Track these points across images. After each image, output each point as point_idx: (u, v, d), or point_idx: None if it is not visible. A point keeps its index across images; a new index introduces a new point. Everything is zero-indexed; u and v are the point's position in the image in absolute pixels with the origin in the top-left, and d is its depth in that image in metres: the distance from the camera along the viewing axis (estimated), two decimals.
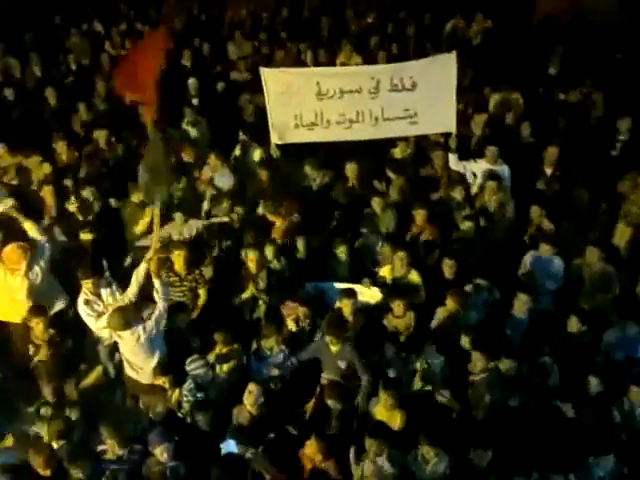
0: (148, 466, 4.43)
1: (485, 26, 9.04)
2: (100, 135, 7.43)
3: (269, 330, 5.43)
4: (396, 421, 4.77)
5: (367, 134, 6.52)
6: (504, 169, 6.77)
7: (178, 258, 5.75)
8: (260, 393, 4.81)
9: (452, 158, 6.72)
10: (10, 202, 5.81)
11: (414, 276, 5.87)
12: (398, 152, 7.24)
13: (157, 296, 5.16)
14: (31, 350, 5.22)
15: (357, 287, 5.80)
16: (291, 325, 5.63)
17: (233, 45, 9.37)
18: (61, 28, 9.70)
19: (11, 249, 5.47)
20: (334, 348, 5.18)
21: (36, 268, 5.56)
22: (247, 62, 8.92)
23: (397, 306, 5.55)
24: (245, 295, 5.87)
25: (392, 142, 7.13)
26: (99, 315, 5.28)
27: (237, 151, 7.48)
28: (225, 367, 5.27)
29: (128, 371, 5.25)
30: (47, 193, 6.44)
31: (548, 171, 6.87)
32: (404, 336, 5.57)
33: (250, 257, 5.85)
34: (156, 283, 5.16)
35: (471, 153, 6.96)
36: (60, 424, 4.63)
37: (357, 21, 9.67)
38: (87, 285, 5.36)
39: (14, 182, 6.82)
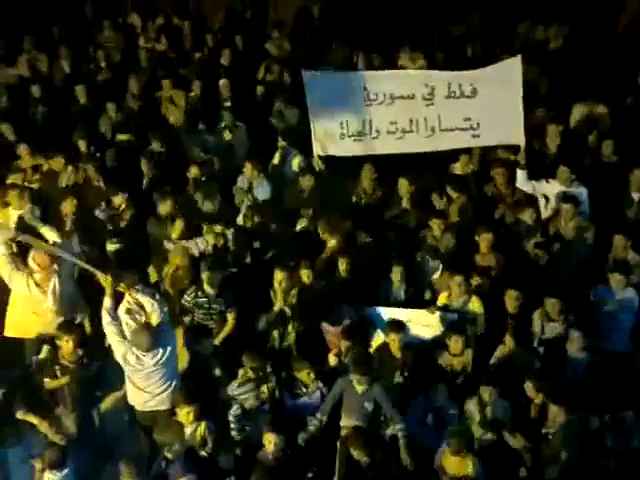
0: None
1: (564, 29, 8.95)
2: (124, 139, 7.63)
3: (301, 363, 5.44)
4: (467, 469, 4.68)
5: (422, 146, 6.50)
6: (581, 192, 6.65)
7: (208, 278, 5.84)
8: (282, 443, 4.80)
9: (520, 176, 6.63)
10: (27, 212, 6.01)
11: (475, 304, 5.79)
12: (459, 167, 7.18)
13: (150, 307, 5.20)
14: (54, 372, 5.32)
15: (411, 313, 5.75)
16: (333, 360, 5.62)
17: (272, 44, 9.55)
18: (93, 21, 10.10)
19: (37, 252, 5.64)
20: (360, 388, 5.11)
21: (63, 273, 5.77)
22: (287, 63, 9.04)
23: (454, 342, 5.46)
24: (271, 319, 5.86)
25: (452, 155, 7.08)
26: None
27: (276, 159, 7.60)
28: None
29: (135, 398, 5.28)
30: (68, 203, 6.63)
31: (635, 196, 6.71)
32: (460, 377, 5.48)
33: (278, 277, 5.86)
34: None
35: (545, 172, 6.84)
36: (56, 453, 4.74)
37: (417, 20, 9.71)
38: (133, 292, 5.45)
39: (34, 185, 7.08)
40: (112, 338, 5.20)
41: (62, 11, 10.24)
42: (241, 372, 5.34)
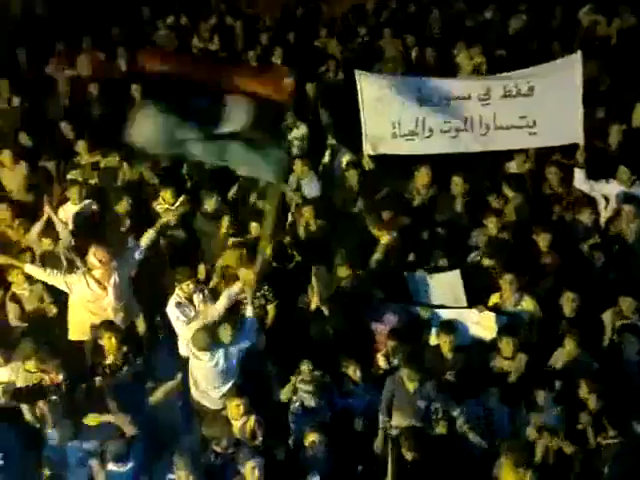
0: None
1: (627, 23, 8.70)
2: None
3: (349, 361, 5.48)
4: None
5: (477, 145, 6.45)
6: None
7: (247, 274, 5.91)
8: (324, 442, 4.87)
9: (578, 175, 6.52)
10: (89, 202, 6.25)
11: (528, 303, 5.72)
12: (515, 166, 7.10)
13: (242, 326, 5.38)
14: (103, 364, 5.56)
15: (459, 312, 5.73)
16: (382, 362, 5.64)
17: (319, 43, 9.63)
18: (150, 22, 10.39)
19: (100, 247, 5.86)
20: (412, 385, 5.12)
21: (121, 270, 5.97)
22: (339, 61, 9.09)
23: (505, 345, 5.40)
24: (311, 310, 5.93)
25: (507, 153, 7.00)
26: (190, 321, 5.56)
27: (326, 157, 7.64)
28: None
29: (195, 395, 5.46)
30: (124, 202, 6.84)
31: None
32: (513, 380, 5.41)
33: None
34: (248, 311, 5.40)
35: (605, 171, 6.70)
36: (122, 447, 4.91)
37: (473, 16, 9.62)
38: (183, 287, 5.69)
39: (92, 181, 7.34)
40: (181, 332, 5.44)
41: (119, 12, 10.58)
42: (305, 369, 5.43)
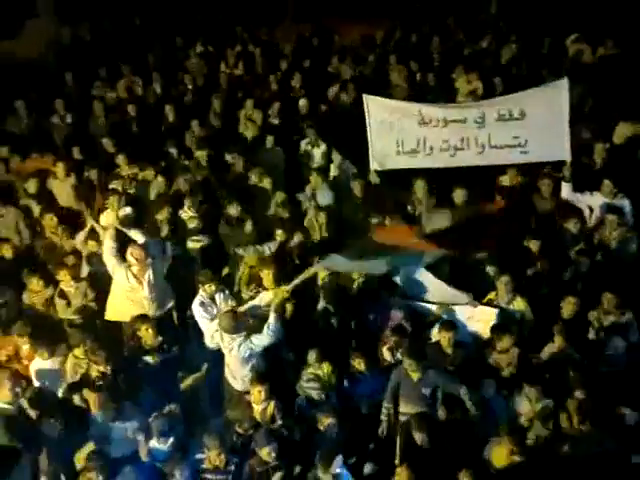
0: (251, 466, 4.62)
1: (612, 52, 8.64)
2: (201, 155, 7.79)
3: (355, 353, 5.45)
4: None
5: (472, 161, 6.42)
6: (624, 204, 6.44)
7: (267, 275, 5.96)
8: (337, 425, 4.86)
9: (565, 188, 6.47)
10: (128, 210, 6.28)
11: (520, 303, 5.67)
12: (507, 179, 7.06)
13: (267, 329, 5.32)
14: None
15: (457, 308, 5.68)
16: (387, 355, 5.60)
17: (331, 68, 9.63)
18: (182, 49, 10.45)
19: (136, 247, 5.93)
20: (415, 375, 5.09)
21: (155, 266, 6.01)
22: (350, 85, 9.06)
23: (501, 340, 5.35)
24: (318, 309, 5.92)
25: (499, 168, 6.95)
26: (212, 318, 5.57)
27: (332, 171, 7.60)
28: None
29: (227, 375, 5.49)
30: (165, 211, 6.85)
31: None
32: (507, 372, 5.36)
33: (321, 275, 5.93)
34: (272, 317, 5.33)
35: (589, 185, 6.64)
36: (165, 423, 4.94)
37: (470, 45, 9.59)
38: (206, 288, 5.72)
39: (131, 191, 7.37)
40: (205, 330, 5.46)
41: (155, 41, 10.65)
42: (310, 369, 5.41)
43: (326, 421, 4.94)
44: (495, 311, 5.65)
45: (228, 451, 4.76)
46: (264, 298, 5.63)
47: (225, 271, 6.80)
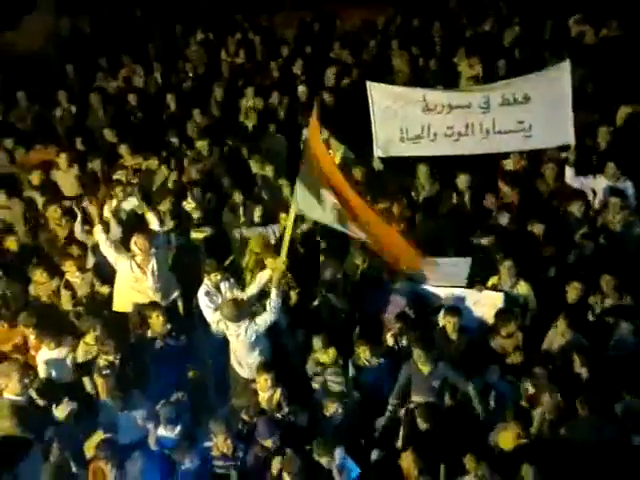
0: (255, 453, 4.68)
1: (615, 33, 8.54)
2: (202, 145, 7.78)
3: (359, 342, 5.46)
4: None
5: (477, 148, 6.37)
6: (627, 186, 6.42)
7: (271, 263, 5.90)
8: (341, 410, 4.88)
9: (569, 172, 6.44)
10: (134, 201, 6.30)
11: (523, 287, 5.67)
12: (510, 164, 7.04)
13: (269, 305, 5.35)
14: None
15: (463, 292, 5.68)
16: (390, 341, 5.61)
17: (333, 54, 9.53)
18: (182, 37, 10.39)
19: (139, 237, 5.93)
20: (425, 368, 5.10)
21: (158, 256, 6.02)
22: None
23: (505, 325, 5.36)
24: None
25: (502, 153, 6.91)
26: (217, 308, 5.59)
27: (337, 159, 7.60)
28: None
29: (233, 363, 5.52)
30: (168, 201, 6.87)
31: None
32: (511, 358, 5.38)
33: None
34: (273, 293, 5.35)
35: (593, 168, 6.62)
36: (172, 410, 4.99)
37: (472, 28, 9.49)
38: (211, 277, 5.73)
39: (134, 181, 7.36)
40: (204, 307, 5.48)
41: (155, 30, 10.60)
42: (316, 355, 5.42)
43: (332, 407, 4.97)
44: (501, 295, 5.65)
45: (235, 438, 4.80)
46: (263, 277, 5.64)
47: (229, 259, 6.82)
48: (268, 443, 4.67)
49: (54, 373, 5.51)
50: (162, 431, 4.97)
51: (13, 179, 7.78)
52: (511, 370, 5.31)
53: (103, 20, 11.12)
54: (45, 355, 5.58)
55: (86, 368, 5.43)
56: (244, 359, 5.43)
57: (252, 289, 5.72)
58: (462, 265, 5.97)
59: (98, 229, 6.04)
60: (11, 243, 6.72)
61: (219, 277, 5.77)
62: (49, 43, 10.78)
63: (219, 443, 4.74)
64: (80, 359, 5.53)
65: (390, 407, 5.23)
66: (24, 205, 7.19)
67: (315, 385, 5.40)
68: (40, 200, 7.19)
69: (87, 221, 6.58)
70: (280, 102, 8.59)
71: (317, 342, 5.45)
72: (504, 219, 6.36)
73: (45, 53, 10.55)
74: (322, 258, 6.39)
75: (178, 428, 4.96)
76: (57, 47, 10.61)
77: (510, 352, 5.39)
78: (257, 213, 6.73)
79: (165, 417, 4.95)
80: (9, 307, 6.21)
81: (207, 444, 4.92)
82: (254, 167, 7.41)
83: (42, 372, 5.51)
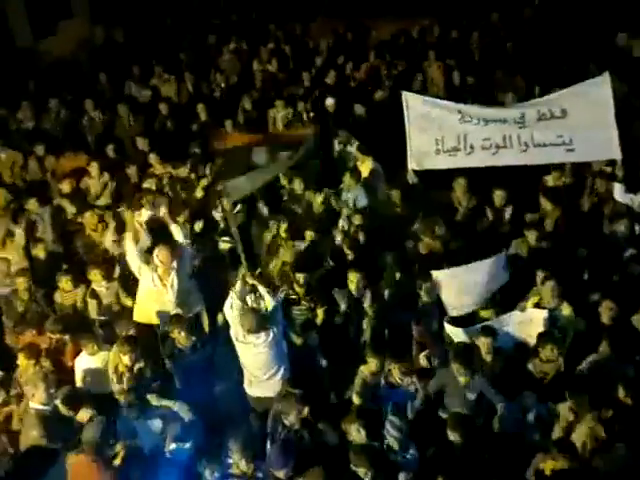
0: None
1: None
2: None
3: (390, 360, 5.30)
4: None
5: (516, 160, 6.27)
6: None
7: (299, 278, 5.93)
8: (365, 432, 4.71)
9: (617, 189, 6.27)
10: (164, 208, 6.34)
11: (566, 309, 5.50)
12: (551, 180, 6.88)
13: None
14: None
15: (507, 316, 5.55)
16: (423, 362, 5.51)
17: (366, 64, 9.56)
18: (215, 47, 10.53)
19: (161, 249, 5.96)
20: (463, 379, 4.98)
21: (181, 270, 6.03)
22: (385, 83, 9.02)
23: (545, 348, 5.18)
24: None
25: (542, 168, 6.77)
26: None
27: (365, 172, 7.52)
28: None
29: (245, 381, 5.45)
30: (184, 213, 6.90)
31: None
32: (549, 382, 5.21)
33: (351, 278, 5.87)
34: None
35: None
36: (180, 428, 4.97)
37: (511, 41, 9.42)
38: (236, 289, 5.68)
39: (165, 190, 7.41)
40: (233, 319, 5.41)
41: (187, 39, 10.78)
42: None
43: (354, 426, 4.79)
44: (545, 314, 5.48)
45: (254, 458, 4.70)
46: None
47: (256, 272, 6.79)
48: (280, 474, 4.53)
49: (91, 380, 5.53)
50: (172, 445, 4.95)
51: (44, 186, 7.92)
52: (549, 396, 5.12)
53: (136, 29, 11.39)
54: (84, 362, 5.60)
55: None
56: (260, 375, 5.35)
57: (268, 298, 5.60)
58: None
59: (129, 237, 6.08)
60: (39, 251, 6.82)
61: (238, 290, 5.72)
62: (83, 51, 11.07)
63: (238, 462, 4.68)
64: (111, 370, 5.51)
65: (421, 395, 5.13)
66: (54, 213, 7.30)
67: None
68: (70, 209, 7.29)
69: (118, 230, 6.66)
70: (309, 113, 8.60)
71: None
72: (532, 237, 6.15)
73: (78, 60, 10.84)
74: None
75: (187, 445, 4.94)
76: (90, 55, 10.87)
77: (550, 377, 5.21)
78: (282, 227, 6.70)
79: (172, 435, 4.94)
80: (37, 314, 6.26)
81: (228, 461, 4.84)
82: (282, 180, 7.41)
83: (79, 380, 5.54)
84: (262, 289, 5.51)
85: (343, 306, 5.89)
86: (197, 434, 5.11)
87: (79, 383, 5.56)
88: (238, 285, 5.51)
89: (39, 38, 11.11)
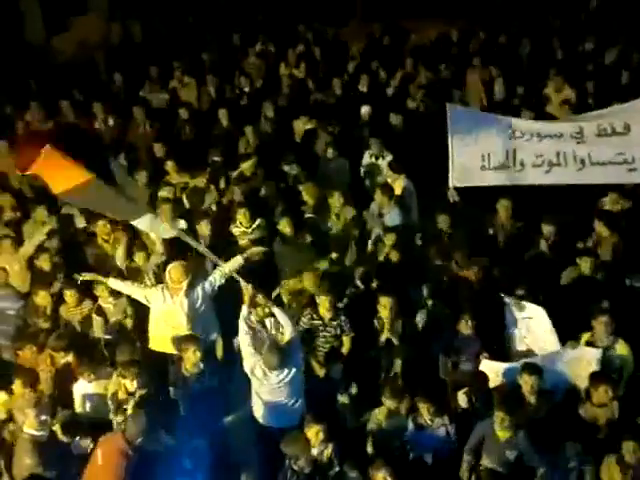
0: None
1: None
2: (246, 168, 7.85)
3: (421, 398, 5.28)
4: None
5: (571, 179, 6.23)
6: None
7: (324, 302, 5.90)
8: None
9: None
10: (182, 223, 6.42)
11: (622, 348, 5.42)
12: (609, 203, 6.81)
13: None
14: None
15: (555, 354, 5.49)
16: (462, 400, 5.44)
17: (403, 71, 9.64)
18: (240, 48, 10.72)
19: (174, 266, 6.03)
20: (503, 434, 4.91)
21: (197, 289, 6.06)
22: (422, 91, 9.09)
23: (601, 392, 5.08)
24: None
25: (600, 190, 6.72)
26: (257, 350, 5.46)
27: (397, 190, 7.51)
28: None
29: (259, 412, 5.44)
30: (203, 225, 6.96)
31: None
32: (602, 431, 5.11)
33: (383, 302, 5.86)
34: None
35: None
36: None
37: (564, 48, 9.43)
38: (258, 311, 5.75)
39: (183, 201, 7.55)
40: (245, 348, 5.41)
41: (211, 39, 10.99)
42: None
43: (381, 474, 4.77)
44: (599, 352, 5.39)
45: None
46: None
47: (276, 292, 6.83)
48: None
49: (89, 408, 5.58)
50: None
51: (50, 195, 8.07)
52: (599, 446, 5.02)
53: (155, 27, 11.64)
54: (82, 388, 5.64)
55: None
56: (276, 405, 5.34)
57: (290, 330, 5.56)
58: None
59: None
60: (44, 262, 6.93)
61: (266, 311, 5.76)
62: (98, 49, 11.33)
63: None
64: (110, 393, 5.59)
65: (465, 464, 5.08)
66: (61, 222, 7.42)
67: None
68: (79, 218, 7.42)
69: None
70: (341, 122, 8.67)
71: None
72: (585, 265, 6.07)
73: (93, 59, 11.10)
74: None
75: (199, 476, 4.97)
76: (106, 53, 11.13)
77: (602, 424, 5.11)
78: (306, 244, 6.75)
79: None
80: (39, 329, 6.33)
81: None
82: (305, 195, 7.46)
83: (78, 406, 5.59)
84: (281, 316, 5.50)
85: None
86: (204, 467, 5.09)
87: (78, 409, 5.61)
88: (244, 310, 5.50)
89: (52, 34, 11.43)
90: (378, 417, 5.33)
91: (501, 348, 5.90)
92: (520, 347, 5.85)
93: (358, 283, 6.43)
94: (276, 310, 5.57)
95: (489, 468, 4.89)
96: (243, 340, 5.42)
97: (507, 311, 5.90)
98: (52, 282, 6.65)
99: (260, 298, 5.62)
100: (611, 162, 6.08)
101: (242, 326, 5.46)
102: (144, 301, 6.12)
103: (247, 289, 5.57)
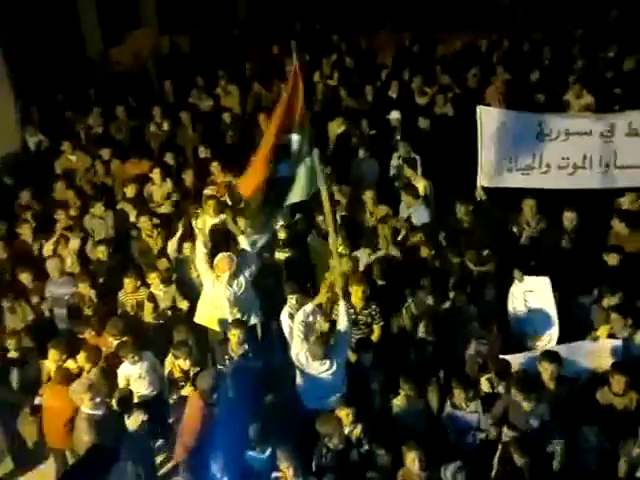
0: None
1: None
2: None
3: (455, 383, 5.22)
4: None
5: (595, 182, 6.05)
6: None
7: (356, 291, 5.87)
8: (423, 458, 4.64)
9: None
10: (225, 216, 6.49)
11: None
12: (627, 202, 6.64)
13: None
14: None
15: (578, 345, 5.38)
16: (485, 385, 5.37)
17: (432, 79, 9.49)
18: (279, 57, 10.74)
19: (221, 257, 6.14)
20: (526, 405, 4.86)
21: (240, 278, 6.17)
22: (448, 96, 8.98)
23: (617, 380, 4.96)
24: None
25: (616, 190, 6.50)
26: (307, 337, 5.45)
27: (421, 190, 7.46)
28: None
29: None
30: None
31: None
32: (619, 418, 4.98)
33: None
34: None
35: None
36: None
37: (585, 56, 9.20)
38: (292, 300, 5.82)
39: (224, 199, 7.54)
40: (296, 334, 5.42)
41: (253, 48, 11.06)
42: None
43: (412, 455, 4.72)
44: (619, 344, 5.27)
45: (302, 471, 4.72)
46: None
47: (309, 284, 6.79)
48: None
49: (134, 388, 5.66)
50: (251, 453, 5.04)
51: (109, 190, 8.25)
52: (616, 430, 4.88)
53: (202, 38, 11.76)
54: (126, 370, 5.74)
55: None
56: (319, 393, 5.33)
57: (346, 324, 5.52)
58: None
59: (202, 241, 6.21)
60: (100, 252, 7.06)
61: (294, 302, 5.79)
62: (150, 60, 11.54)
63: (284, 473, 4.71)
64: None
65: (483, 429, 5.03)
66: (116, 217, 7.58)
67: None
68: (133, 212, 7.53)
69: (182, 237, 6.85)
70: (372, 128, 8.61)
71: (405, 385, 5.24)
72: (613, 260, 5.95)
73: (146, 69, 11.31)
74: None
75: (268, 452, 4.98)
76: (157, 64, 11.31)
77: (618, 411, 4.97)
78: (340, 239, 6.67)
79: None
80: (97, 315, 6.46)
81: (274, 475, 4.86)
82: (337, 195, 7.42)
83: (122, 385, 5.70)
84: (342, 308, 5.43)
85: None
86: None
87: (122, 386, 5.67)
88: (308, 307, 5.48)
89: (109, 47, 11.67)
90: (397, 403, 5.29)
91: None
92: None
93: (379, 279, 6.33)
94: (341, 302, 5.48)
95: (517, 437, 4.79)
96: (297, 327, 5.44)
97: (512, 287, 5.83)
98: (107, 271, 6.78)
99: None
100: (637, 166, 5.86)
101: (300, 315, 5.46)
102: (201, 274, 6.26)
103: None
